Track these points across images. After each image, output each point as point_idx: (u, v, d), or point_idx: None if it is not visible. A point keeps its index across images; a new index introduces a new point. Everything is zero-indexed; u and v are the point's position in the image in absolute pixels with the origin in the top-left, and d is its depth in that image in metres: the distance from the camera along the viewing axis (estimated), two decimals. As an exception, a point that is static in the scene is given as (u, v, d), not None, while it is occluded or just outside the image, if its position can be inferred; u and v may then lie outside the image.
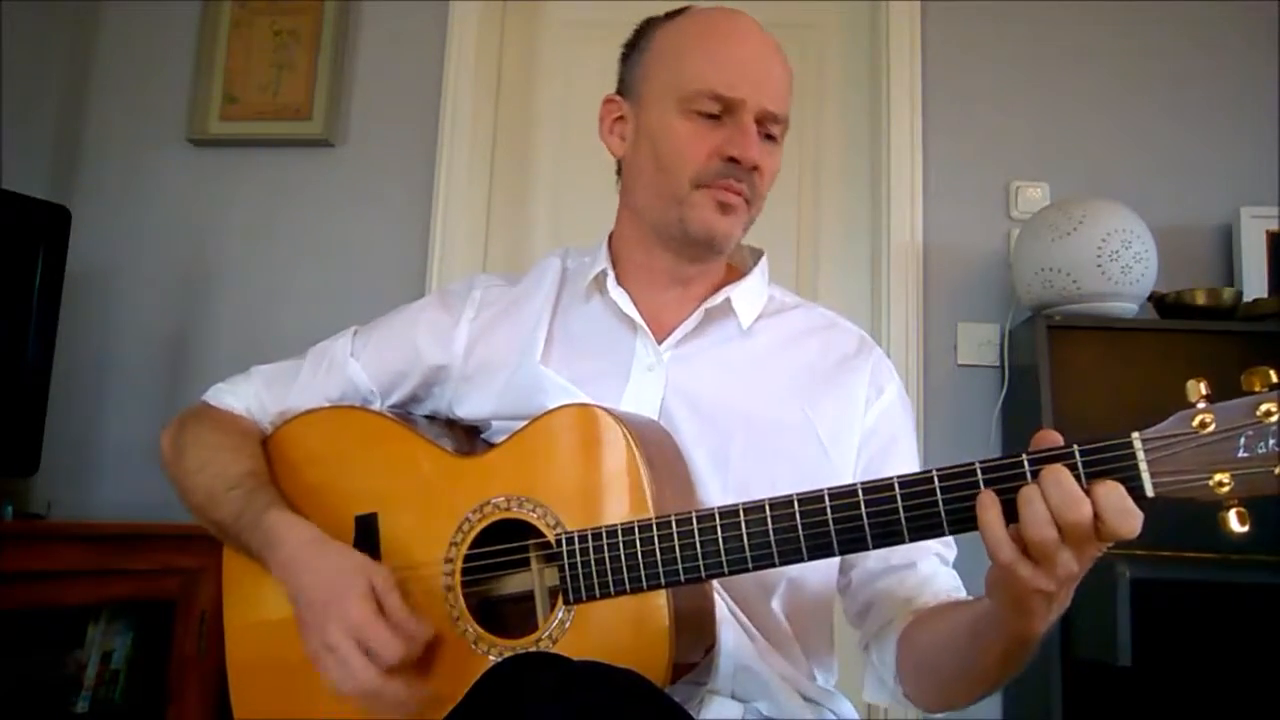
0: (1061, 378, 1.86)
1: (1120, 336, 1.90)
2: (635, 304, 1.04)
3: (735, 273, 1.10)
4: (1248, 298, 1.98)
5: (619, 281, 1.06)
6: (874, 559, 0.99)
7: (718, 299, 1.04)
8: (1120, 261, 1.85)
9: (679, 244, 1.02)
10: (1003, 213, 2.22)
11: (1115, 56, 2.25)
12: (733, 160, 0.97)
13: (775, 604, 0.98)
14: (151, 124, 2.42)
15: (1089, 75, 2.25)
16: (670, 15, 1.05)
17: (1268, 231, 2.10)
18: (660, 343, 1.03)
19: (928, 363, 2.17)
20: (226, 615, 1.06)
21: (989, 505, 0.72)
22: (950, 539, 1.01)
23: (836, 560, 1.01)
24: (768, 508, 0.80)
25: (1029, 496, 0.70)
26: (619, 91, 1.09)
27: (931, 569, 0.99)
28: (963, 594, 0.98)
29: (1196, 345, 1.88)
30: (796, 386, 1.03)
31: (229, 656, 1.05)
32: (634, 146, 1.05)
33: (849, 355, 1.07)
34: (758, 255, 1.12)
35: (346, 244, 2.33)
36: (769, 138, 1.01)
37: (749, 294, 1.07)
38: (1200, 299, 1.94)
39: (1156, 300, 1.97)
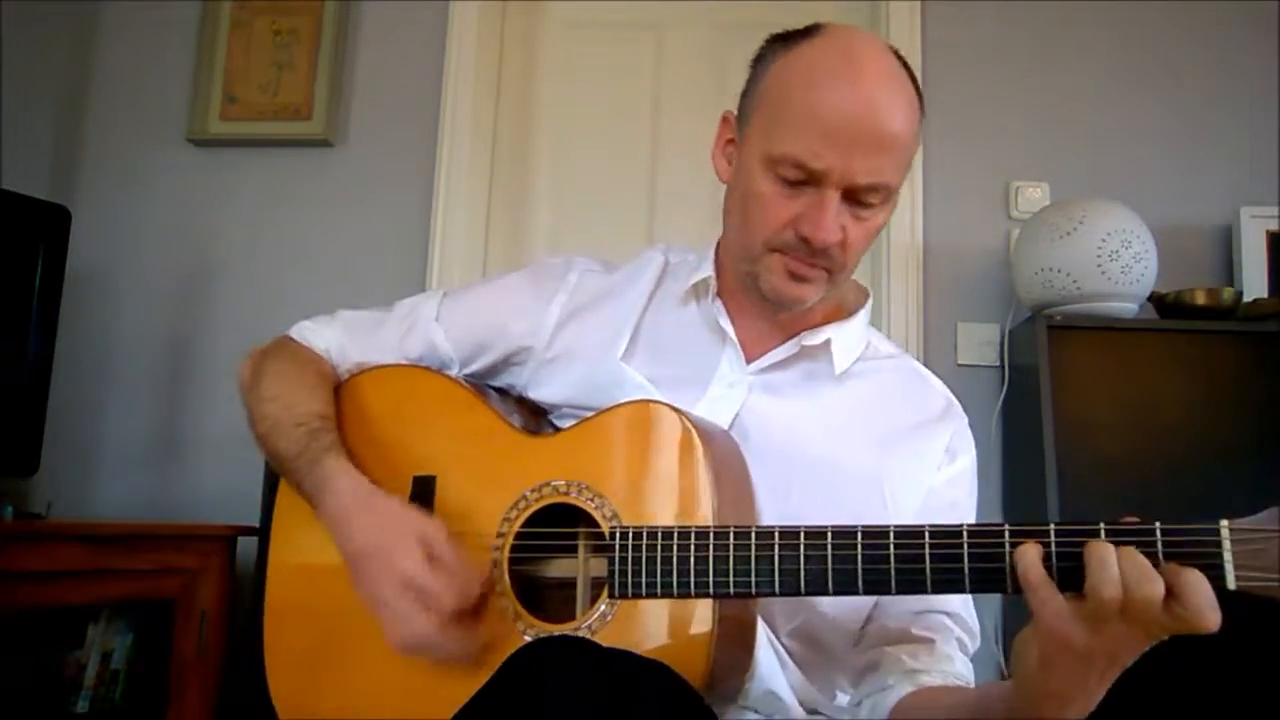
0: (1061, 378, 1.86)
1: (1120, 336, 1.90)
2: (731, 319, 1.02)
3: (838, 311, 1.05)
4: (1248, 298, 1.98)
5: (719, 293, 1.03)
6: (895, 621, 0.96)
7: (818, 338, 1.00)
8: (1120, 261, 1.86)
9: (755, 295, 0.99)
10: (1003, 213, 2.22)
11: (1115, 56, 2.25)
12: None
13: (802, 626, 0.96)
14: (151, 124, 2.42)
15: (1089, 75, 2.25)
16: (794, 38, 0.95)
17: (1268, 231, 2.10)
18: (748, 363, 1.01)
19: (928, 363, 2.12)
20: (271, 555, 1.05)
21: (1031, 548, 0.70)
22: (976, 629, 0.99)
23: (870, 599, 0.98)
24: (830, 534, 0.78)
25: (1102, 555, 0.67)
26: (739, 110, 1.01)
27: (949, 651, 0.95)
28: (971, 683, 0.95)
29: (1196, 345, 1.88)
30: (873, 442, 1.00)
31: (268, 597, 1.04)
32: (733, 180, 0.99)
33: (933, 419, 1.03)
34: (863, 295, 1.08)
35: (346, 244, 2.34)
36: (862, 204, 0.91)
37: (849, 338, 1.02)
38: (1200, 299, 1.94)
39: (1156, 300, 1.97)
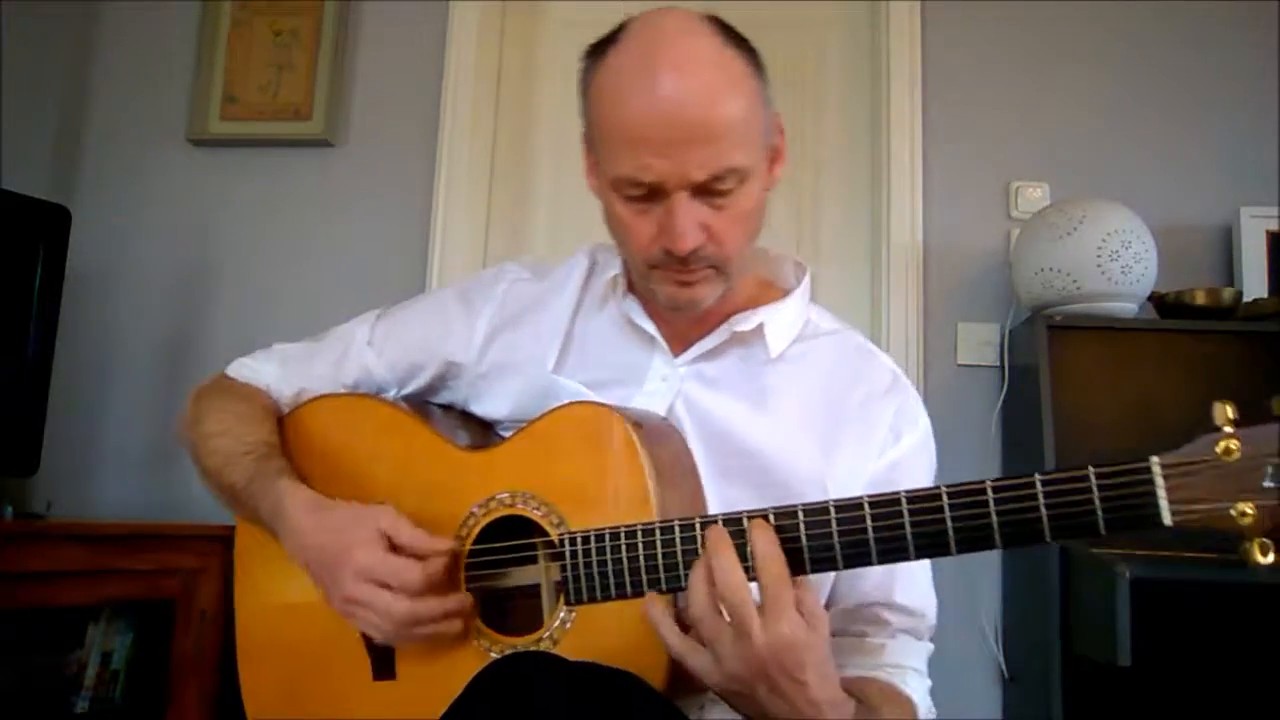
0: (1061, 378, 1.86)
1: (1120, 336, 1.89)
2: (652, 312, 1.01)
3: (772, 291, 1.03)
4: (1248, 298, 1.98)
5: (632, 288, 1.02)
6: (836, 621, 0.94)
7: (749, 323, 0.98)
8: (1120, 261, 1.85)
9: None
10: (1003, 213, 2.22)
11: (1115, 56, 2.25)
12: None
13: None
14: (151, 124, 2.42)
15: (1089, 75, 2.25)
16: (601, 48, 0.93)
17: (1268, 231, 2.10)
18: (678, 355, 1.00)
19: (928, 363, 2.17)
20: (237, 597, 1.06)
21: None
22: (923, 609, 0.98)
23: (830, 578, 0.97)
24: (772, 516, 0.78)
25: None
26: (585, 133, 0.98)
27: (880, 642, 0.95)
28: (903, 668, 0.95)
29: (1196, 345, 1.87)
30: (815, 426, 0.97)
31: (239, 639, 1.05)
32: (601, 199, 0.96)
33: (878, 394, 1.00)
34: (801, 272, 1.05)
35: (346, 244, 2.34)
36: (716, 193, 0.88)
37: (784, 319, 1.00)
38: (1200, 299, 1.94)
39: (1156, 300, 1.97)
